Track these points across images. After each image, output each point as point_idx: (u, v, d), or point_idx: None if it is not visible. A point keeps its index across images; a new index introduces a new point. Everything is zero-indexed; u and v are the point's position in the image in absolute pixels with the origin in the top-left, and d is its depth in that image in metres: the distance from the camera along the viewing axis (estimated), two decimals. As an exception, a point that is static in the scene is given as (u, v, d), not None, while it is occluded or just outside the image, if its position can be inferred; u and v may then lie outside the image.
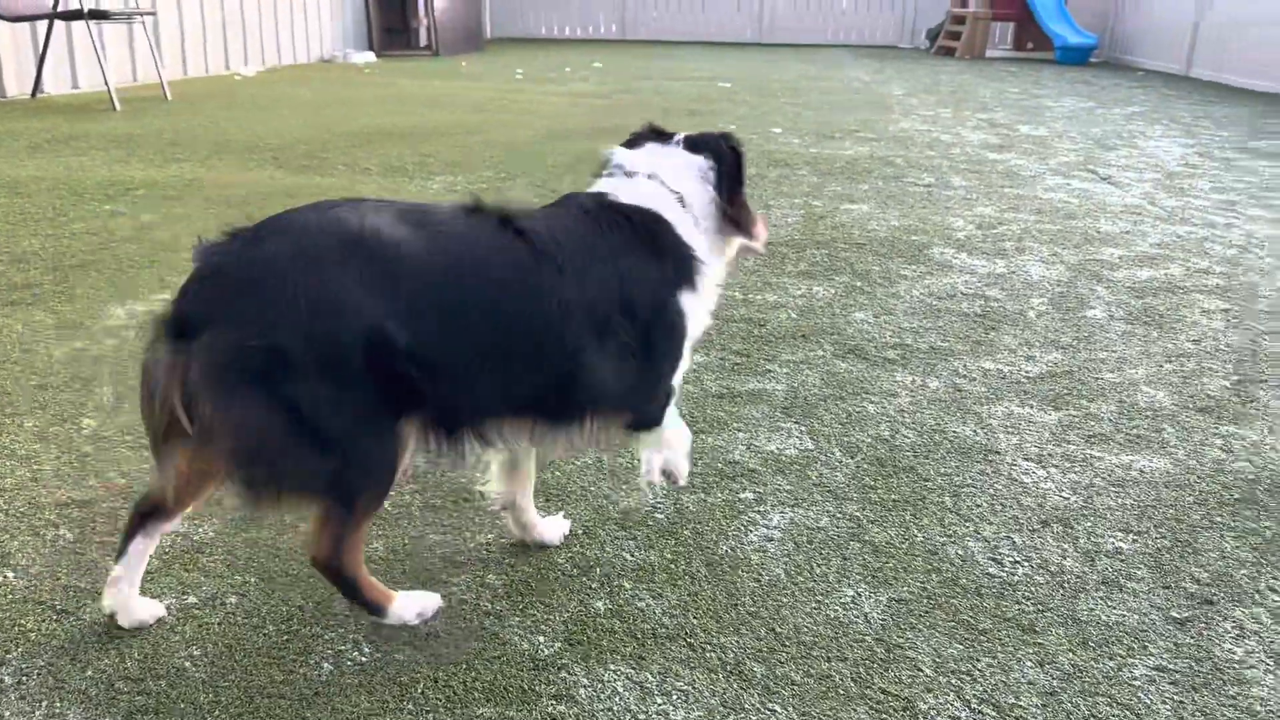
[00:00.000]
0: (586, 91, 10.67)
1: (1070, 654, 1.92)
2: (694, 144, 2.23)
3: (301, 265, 1.68)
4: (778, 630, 1.97)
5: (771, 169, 6.50)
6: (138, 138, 6.99)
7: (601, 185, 2.12)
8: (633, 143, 2.29)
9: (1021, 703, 1.79)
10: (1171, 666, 1.89)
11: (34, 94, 8.63)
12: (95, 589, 2.03)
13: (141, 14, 8.93)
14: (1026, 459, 2.71)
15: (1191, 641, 1.97)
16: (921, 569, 2.19)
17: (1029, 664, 1.89)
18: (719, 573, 2.16)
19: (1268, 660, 1.92)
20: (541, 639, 1.93)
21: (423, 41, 15.47)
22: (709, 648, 1.92)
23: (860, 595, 2.09)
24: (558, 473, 2.56)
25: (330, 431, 1.71)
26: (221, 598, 2.03)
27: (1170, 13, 14.82)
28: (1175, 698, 1.81)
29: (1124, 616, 2.04)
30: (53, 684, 1.77)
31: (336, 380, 1.69)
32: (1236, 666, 1.90)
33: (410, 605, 1.95)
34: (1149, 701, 1.80)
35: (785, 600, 2.07)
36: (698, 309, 2.07)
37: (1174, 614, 2.05)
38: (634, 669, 1.85)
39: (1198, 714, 1.77)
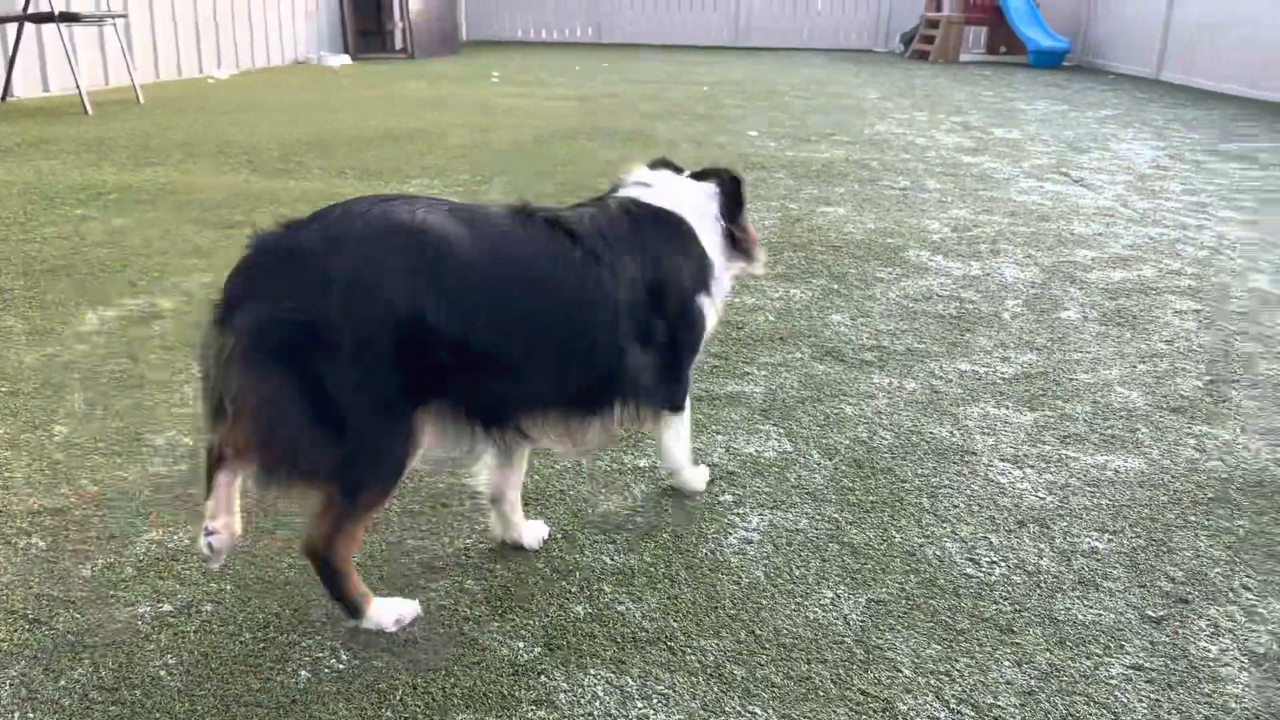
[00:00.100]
0: (563, 95, 10.66)
1: (1047, 653, 1.93)
2: (700, 174, 2.42)
3: (344, 249, 1.73)
4: (758, 632, 1.97)
5: (748, 172, 6.50)
6: (110, 141, 6.93)
7: (628, 192, 2.27)
8: (649, 169, 2.44)
9: (1000, 702, 1.80)
10: (1148, 665, 1.91)
11: (4, 97, 8.53)
12: (68, 597, 2.00)
13: (113, 16, 8.84)
14: (1003, 460, 2.72)
15: (1167, 640, 1.98)
16: (900, 570, 2.20)
17: (1007, 664, 1.90)
18: (699, 575, 2.16)
19: (1242, 658, 1.94)
20: (521, 644, 1.92)
21: (398, 44, 15.41)
22: (689, 651, 1.91)
23: (839, 597, 2.10)
24: (536, 476, 2.55)
25: (348, 416, 1.73)
26: (197, 605, 2.01)
27: (1141, 17, 14.98)
28: (1152, 696, 1.83)
29: (1100, 616, 2.06)
30: (25, 694, 1.75)
31: (364, 363, 1.72)
32: (1211, 664, 1.92)
33: (388, 611, 1.94)
34: (1126, 700, 1.81)
35: (765, 602, 2.07)
36: (710, 310, 2.28)
37: (1150, 613, 2.07)
38: (614, 673, 1.85)
39: (1174, 712, 1.79)
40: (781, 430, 2.86)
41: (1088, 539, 2.34)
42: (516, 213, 1.97)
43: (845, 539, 2.31)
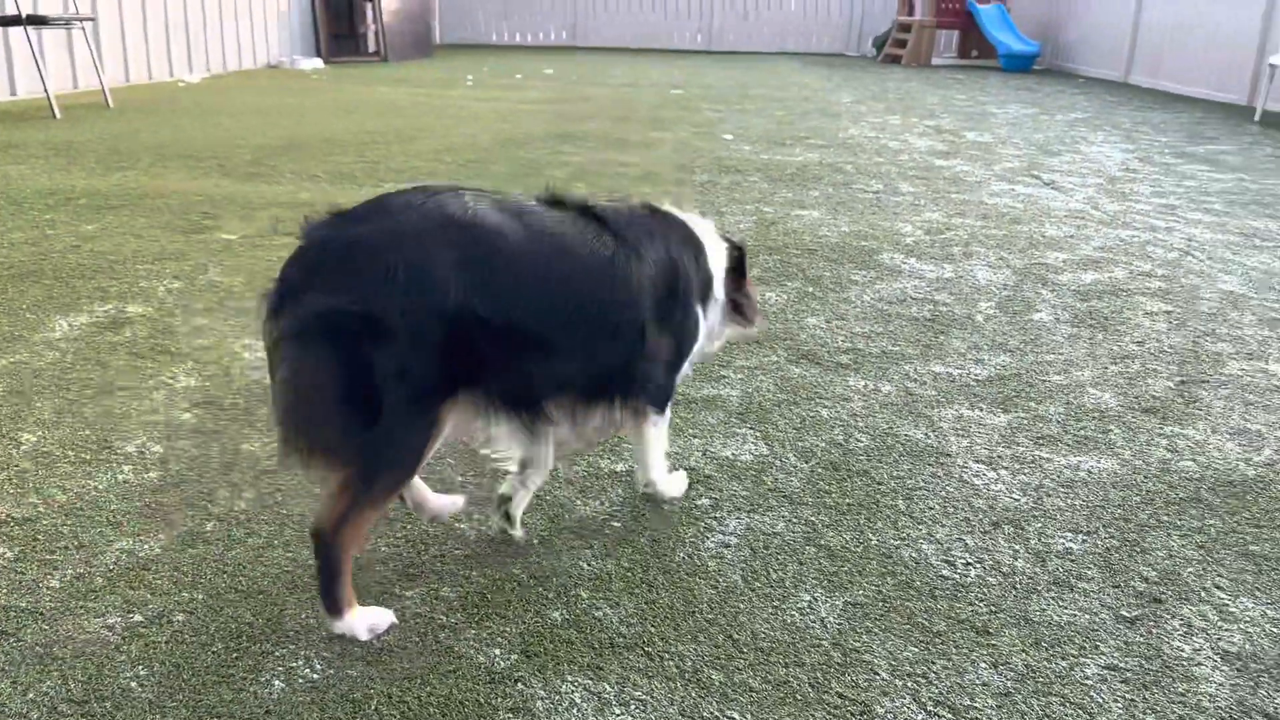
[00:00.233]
0: (537, 98, 10.65)
1: (1023, 655, 1.94)
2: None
3: (404, 242, 1.77)
4: (735, 637, 1.97)
5: (723, 176, 6.53)
6: (78, 146, 6.85)
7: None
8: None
9: (977, 704, 1.80)
10: (1122, 665, 1.92)
11: (-31, 101, 8.42)
12: (36, 608, 1.97)
13: (81, 20, 8.75)
14: (977, 461, 2.74)
15: (1141, 640, 2.00)
16: (876, 572, 2.20)
17: (983, 665, 1.91)
18: (676, 580, 2.15)
19: (1215, 657, 1.95)
20: (497, 651, 1.91)
21: (371, 47, 15.34)
22: (667, 656, 1.91)
23: (816, 600, 2.10)
24: (512, 482, 2.54)
25: (385, 403, 1.77)
26: (168, 615, 1.98)
27: (1110, 21, 15.15)
28: (1126, 696, 1.84)
29: (1075, 616, 2.07)
30: (-8, 709, 1.72)
31: (413, 354, 1.76)
32: (1185, 664, 1.93)
33: (363, 620, 1.92)
34: (1101, 700, 1.82)
35: (743, 606, 2.07)
36: (703, 328, 2.32)
37: (1124, 613, 2.08)
38: (592, 679, 1.84)
39: (1149, 712, 1.80)
40: (758, 433, 2.87)
41: (1062, 540, 2.36)
42: (551, 202, 2.06)
43: (822, 542, 2.32)
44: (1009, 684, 1.86)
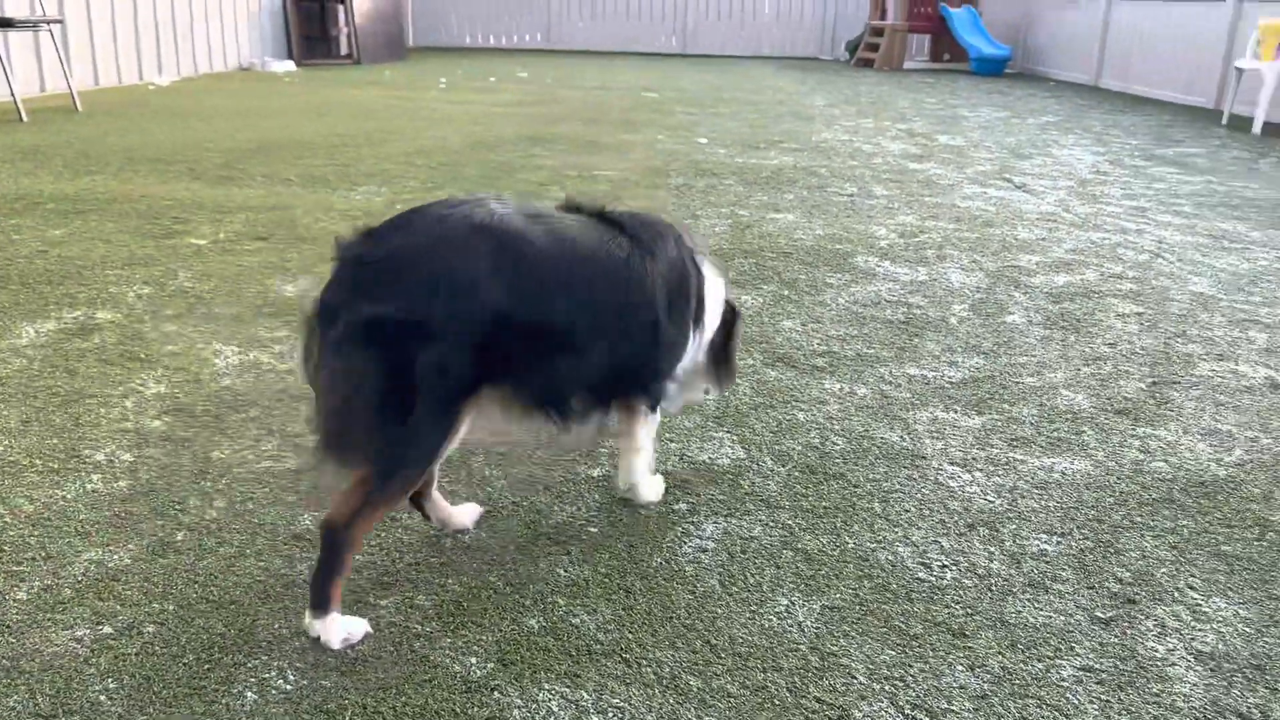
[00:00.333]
0: (511, 100, 10.62)
1: (1000, 657, 1.95)
2: None
3: (436, 250, 1.85)
4: (713, 642, 1.97)
5: (699, 179, 6.54)
6: (46, 149, 6.76)
7: None
8: None
9: (954, 708, 1.81)
10: (1097, 666, 1.93)
11: (-67, 104, 8.30)
12: (3, 621, 1.94)
13: (48, 22, 8.64)
14: (952, 463, 2.75)
15: (1116, 641, 2.01)
16: (853, 575, 2.20)
17: (960, 668, 1.91)
18: (654, 585, 2.14)
19: (1188, 657, 1.97)
20: (473, 660, 1.89)
21: (344, 50, 15.25)
22: (644, 662, 1.90)
23: (794, 604, 2.10)
24: (489, 488, 2.52)
25: (420, 403, 1.83)
26: (139, 627, 1.95)
27: (1080, 26, 15.30)
28: (1102, 697, 1.85)
29: (1050, 618, 2.08)
30: (-44, 724, 1.69)
31: (453, 357, 1.83)
32: (1159, 664, 1.94)
33: (339, 627, 1.90)
34: (1077, 702, 1.83)
35: (720, 611, 2.06)
36: (693, 340, 2.37)
37: (1098, 614, 2.10)
38: (569, 687, 1.83)
39: (1124, 713, 1.81)
40: (735, 437, 2.86)
41: (1036, 541, 2.37)
42: (568, 208, 2.19)
43: (799, 545, 2.32)
44: (986, 686, 1.86)
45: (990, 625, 2.04)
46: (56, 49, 8.92)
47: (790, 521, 2.42)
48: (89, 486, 2.46)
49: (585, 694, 1.81)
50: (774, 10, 19.79)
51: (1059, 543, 2.37)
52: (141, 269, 4.18)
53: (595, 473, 2.62)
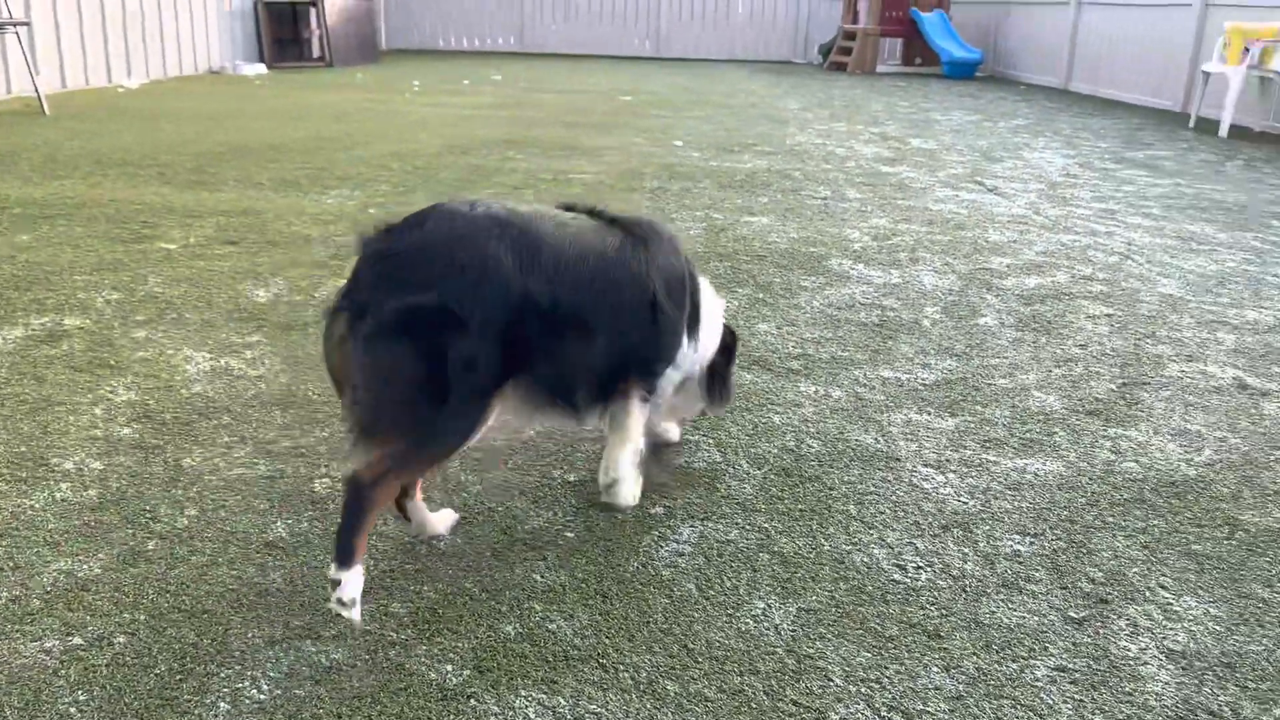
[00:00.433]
0: (485, 103, 10.59)
1: (974, 657, 1.96)
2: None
3: (460, 241, 1.96)
4: (690, 646, 1.97)
5: (673, 182, 6.54)
6: (13, 153, 6.67)
7: None
8: None
9: (930, 709, 1.82)
10: (1071, 666, 1.95)
11: (-103, 107, 8.17)
12: (-31, 634, 1.91)
13: (14, 24, 8.53)
14: (926, 465, 2.76)
15: (1089, 640, 2.03)
16: (829, 578, 2.21)
17: (935, 669, 1.92)
18: (630, 590, 2.14)
19: (1160, 656, 1.99)
20: (449, 667, 1.88)
21: (316, 53, 15.17)
22: (622, 667, 1.90)
23: (770, 607, 2.10)
24: (465, 494, 2.51)
25: (454, 389, 1.94)
26: (109, 637, 1.93)
27: (1050, 30, 15.44)
28: (1076, 697, 1.86)
29: (1024, 618, 2.09)
30: (-78, 739, 1.66)
31: (483, 342, 1.94)
32: (1132, 663, 1.96)
33: (354, 583, 1.94)
34: (1051, 702, 1.85)
35: (697, 615, 2.06)
36: (686, 346, 2.46)
37: (1072, 614, 2.11)
38: (546, 694, 1.82)
39: (1097, 712, 1.82)
40: (711, 440, 2.87)
41: (1010, 542, 2.38)
42: (568, 208, 2.29)
43: (775, 548, 2.32)
44: (961, 687, 1.87)
45: (965, 626, 2.06)
46: (23, 51, 8.81)
47: (766, 524, 2.42)
48: (58, 495, 2.42)
49: (562, 700, 1.80)
50: (747, 13, 19.85)
51: (1032, 543, 2.38)
52: (110, 274, 4.13)
53: (571, 478, 2.62)
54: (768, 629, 2.03)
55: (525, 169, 6.74)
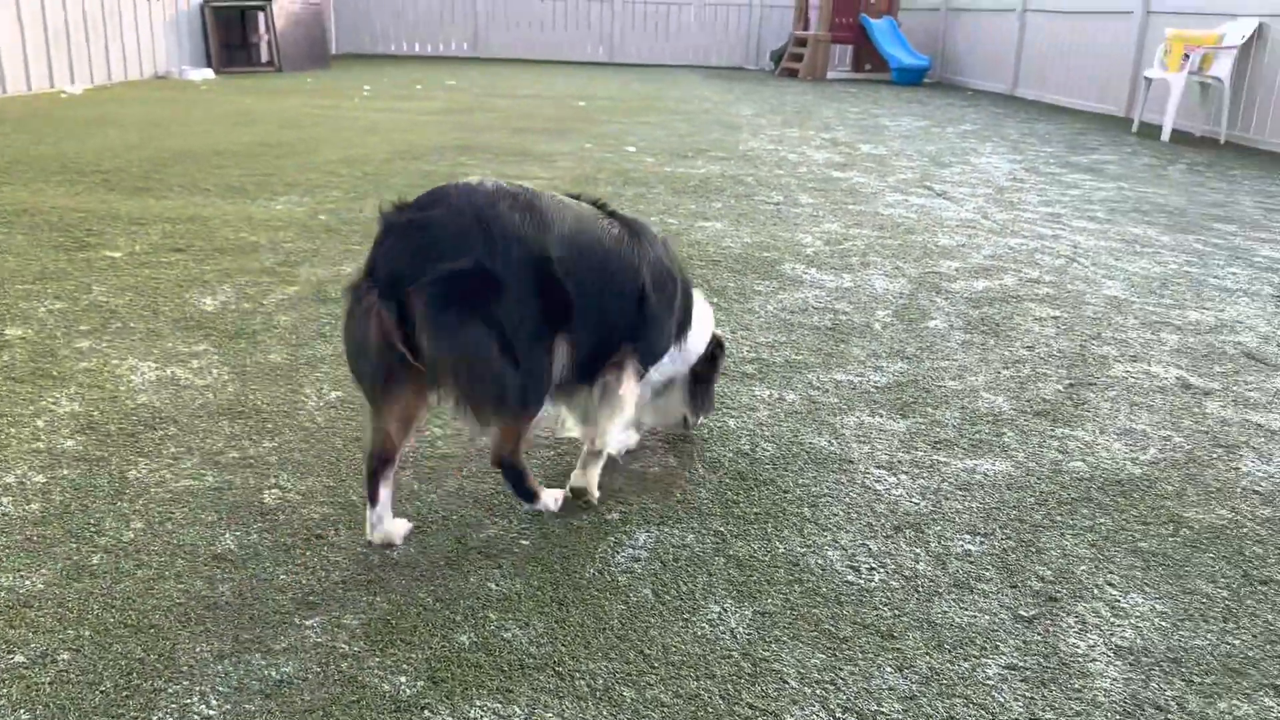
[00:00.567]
0: (438, 109, 10.53)
1: (927, 657, 1.98)
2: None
3: (482, 211, 2.09)
4: (646, 652, 1.96)
5: (628, 187, 6.55)
6: (-51, 159, 6.51)
7: None
8: None
9: (884, 709, 1.83)
10: (1021, 664, 1.97)
11: None
12: (-95, 654, 1.85)
13: (-49, 27, 8.33)
14: (878, 467, 2.79)
15: (1039, 638, 2.06)
16: (784, 580, 2.22)
17: (889, 670, 1.94)
18: (586, 597, 2.13)
19: (1109, 652, 2.02)
20: (403, 679, 1.86)
21: (264, 58, 14.98)
22: (578, 675, 1.89)
23: (726, 611, 2.10)
24: (418, 503, 2.49)
25: (518, 347, 2.10)
26: (52, 654, 1.88)
27: (996, 37, 15.69)
28: (1026, 694, 1.89)
29: (975, 617, 2.12)
30: None
31: (524, 300, 2.10)
32: (1081, 660, 1.99)
33: (550, 496, 2.44)
34: (1002, 700, 1.87)
35: (653, 621, 2.06)
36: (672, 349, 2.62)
37: (1022, 612, 2.14)
38: (501, 703, 1.81)
39: (1048, 709, 1.85)
40: (666, 445, 2.87)
41: (961, 542, 2.41)
42: (568, 195, 2.41)
43: (730, 552, 2.33)
44: (914, 687, 1.89)
45: (917, 626, 2.08)
46: (-40, 56, 8.61)
47: (722, 528, 2.43)
48: (-2, 510, 2.37)
49: (518, 709, 1.79)
50: (700, 20, 19.94)
51: (982, 543, 2.41)
52: (53, 283, 4.04)
53: (526, 484, 2.60)
54: (723, 633, 2.03)
55: (477, 175, 6.70)
